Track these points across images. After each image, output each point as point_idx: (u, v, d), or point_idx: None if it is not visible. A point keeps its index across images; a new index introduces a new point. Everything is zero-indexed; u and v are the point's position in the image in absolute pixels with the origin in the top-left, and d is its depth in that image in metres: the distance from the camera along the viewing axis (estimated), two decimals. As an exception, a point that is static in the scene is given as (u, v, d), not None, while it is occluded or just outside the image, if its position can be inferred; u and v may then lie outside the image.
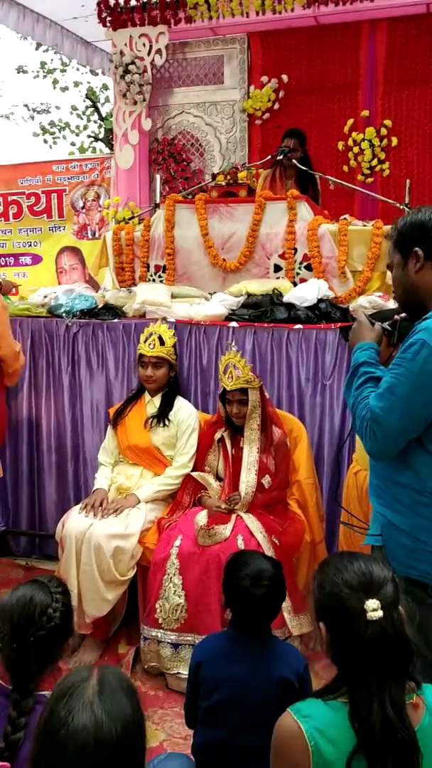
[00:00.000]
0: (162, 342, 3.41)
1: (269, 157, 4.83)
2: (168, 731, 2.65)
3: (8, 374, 3.54)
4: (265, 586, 2.08)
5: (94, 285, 5.00)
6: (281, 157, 4.72)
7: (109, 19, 6.27)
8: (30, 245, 7.14)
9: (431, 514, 1.88)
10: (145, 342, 3.43)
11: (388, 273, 3.77)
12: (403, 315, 2.14)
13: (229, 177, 4.15)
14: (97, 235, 6.78)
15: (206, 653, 2.15)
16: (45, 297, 4.05)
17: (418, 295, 1.93)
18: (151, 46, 6.25)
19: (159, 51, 6.23)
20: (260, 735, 1.96)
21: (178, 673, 2.86)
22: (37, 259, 7.17)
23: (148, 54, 6.28)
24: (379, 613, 1.41)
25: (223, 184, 4.18)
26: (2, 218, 7.15)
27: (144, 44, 6.26)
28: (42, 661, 1.68)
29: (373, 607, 1.41)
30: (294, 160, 4.74)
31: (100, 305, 4.02)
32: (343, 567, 1.50)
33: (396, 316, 2.19)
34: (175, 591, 2.90)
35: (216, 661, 2.10)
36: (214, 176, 4.28)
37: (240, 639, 2.12)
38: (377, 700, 1.40)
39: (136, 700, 1.22)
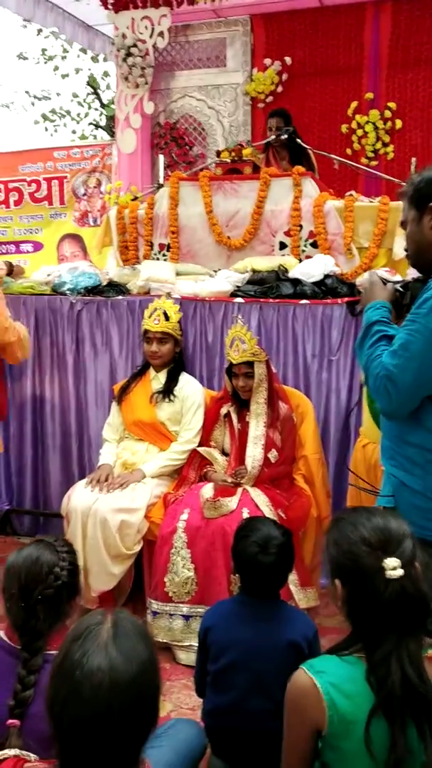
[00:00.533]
0: (167, 317, 3.38)
1: (281, 132, 4.75)
2: (175, 702, 2.64)
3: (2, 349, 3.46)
4: (273, 553, 2.07)
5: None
6: (285, 136, 4.69)
7: (111, 1, 6.22)
8: (31, 232, 7.10)
9: None
10: (149, 317, 3.40)
11: (394, 250, 3.79)
12: (415, 276, 2.12)
13: (233, 154, 4.12)
14: (98, 222, 6.74)
15: (215, 618, 2.14)
16: (48, 275, 4.02)
17: (429, 252, 1.91)
18: (153, 29, 6.20)
19: (161, 34, 6.19)
20: (270, 698, 1.97)
21: (190, 645, 2.85)
22: (38, 247, 7.13)
23: (150, 37, 6.24)
24: (399, 572, 1.39)
25: (228, 161, 4.15)
26: (3, 205, 7.10)
27: (146, 27, 6.22)
28: (50, 619, 1.68)
29: (393, 566, 1.39)
30: (276, 143, 4.70)
31: (104, 283, 3.99)
32: (360, 524, 1.47)
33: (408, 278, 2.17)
34: (184, 564, 2.89)
35: (224, 625, 2.10)
36: (218, 153, 4.25)
37: (248, 603, 2.11)
38: (395, 659, 1.38)
39: (151, 644, 1.21)
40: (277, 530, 2.15)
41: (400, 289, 2.08)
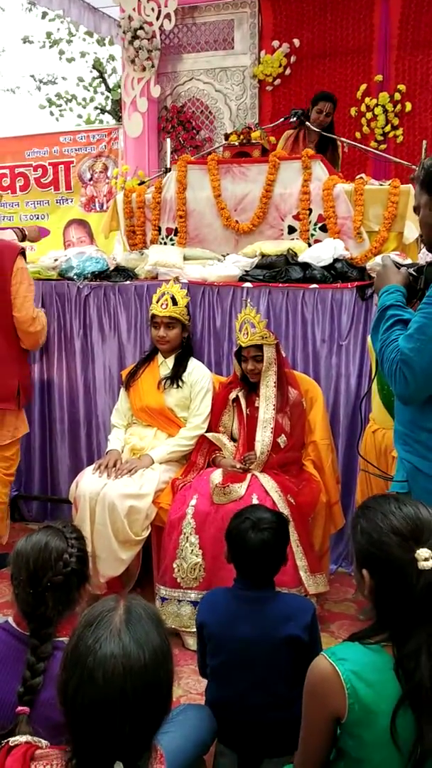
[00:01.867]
0: (175, 302, 3.35)
1: (291, 114, 4.69)
2: (184, 687, 2.64)
3: (25, 334, 3.48)
4: (264, 530, 2.05)
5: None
6: (294, 119, 4.63)
7: (117, -18, 6.17)
8: (37, 218, 7.06)
9: None
10: (157, 302, 3.38)
11: (405, 234, 3.74)
12: (429, 260, 2.09)
13: (242, 137, 4.07)
14: (105, 207, 6.70)
15: (209, 612, 2.12)
16: (56, 260, 3.99)
17: None
18: (159, 11, 6.15)
19: (168, 16, 6.13)
20: (271, 692, 1.97)
21: (198, 631, 2.84)
22: (44, 232, 7.07)
23: (157, 19, 6.18)
24: (431, 563, 1.36)
25: (236, 143, 4.10)
26: (9, 191, 7.07)
27: (153, 9, 6.16)
28: (59, 605, 1.66)
29: (425, 557, 1.36)
30: (318, 128, 4.67)
31: (111, 267, 3.96)
32: (390, 513, 1.44)
33: (421, 262, 2.14)
34: (192, 550, 2.88)
35: (219, 621, 2.08)
36: (227, 136, 4.20)
37: (243, 597, 2.09)
38: (425, 651, 1.36)
39: (163, 630, 1.20)
40: (270, 513, 2.15)
41: (414, 273, 2.05)
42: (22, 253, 3.40)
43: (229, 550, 2.12)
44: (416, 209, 2.00)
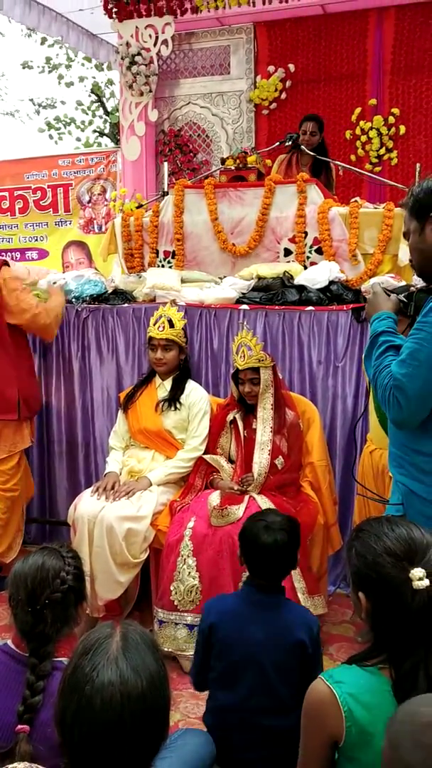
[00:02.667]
0: (171, 324, 3.38)
1: (285, 139, 4.77)
2: (183, 711, 2.63)
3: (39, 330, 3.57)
4: (277, 531, 2.11)
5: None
6: (289, 143, 4.70)
7: (115, 10, 6.27)
8: (36, 240, 7.11)
9: None
10: (154, 325, 3.41)
11: (399, 256, 3.78)
12: (418, 286, 2.13)
13: (238, 161, 4.13)
14: (103, 229, 6.76)
15: (219, 614, 2.15)
16: (54, 283, 4.03)
17: None
18: (157, 37, 6.24)
19: (165, 42, 6.22)
20: (273, 695, 2.00)
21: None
22: (43, 254, 7.15)
23: (155, 45, 6.27)
24: (426, 582, 1.38)
25: (233, 168, 4.16)
26: (8, 213, 7.13)
27: (150, 35, 6.26)
28: (58, 623, 1.69)
29: (419, 576, 1.38)
30: (307, 148, 4.73)
31: (110, 290, 4.00)
32: (384, 534, 1.46)
33: (411, 288, 2.18)
34: (189, 573, 2.88)
35: (230, 623, 2.11)
36: (223, 160, 4.26)
37: (253, 600, 2.13)
38: (423, 670, 1.37)
39: (159, 655, 1.21)
40: (283, 517, 2.21)
41: (404, 300, 2.08)
42: (5, 263, 3.44)
43: (242, 549, 2.18)
44: (406, 234, 2.04)
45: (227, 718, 2.06)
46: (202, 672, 2.16)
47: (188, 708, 2.65)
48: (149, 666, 1.16)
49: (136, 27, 6.25)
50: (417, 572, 1.38)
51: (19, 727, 1.51)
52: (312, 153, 4.77)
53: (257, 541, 2.10)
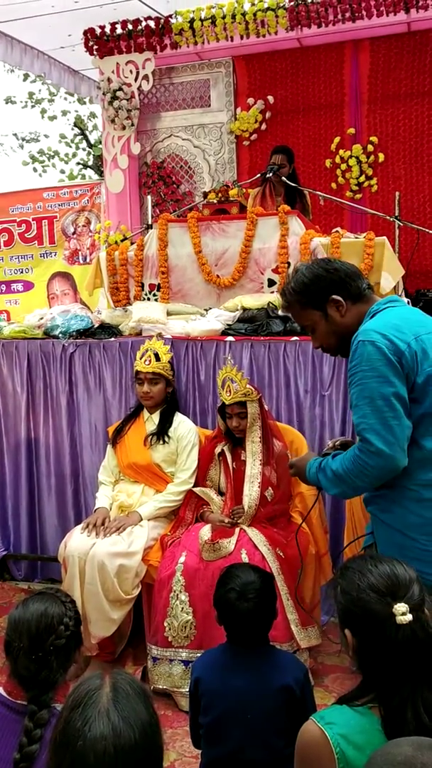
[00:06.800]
0: (158, 358, 3.41)
1: (258, 175, 4.89)
2: (179, 750, 2.60)
3: None
4: (251, 599, 2.06)
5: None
6: (270, 174, 4.78)
7: (95, 47, 6.38)
8: (21, 272, 7.16)
9: (420, 509, 1.91)
10: (141, 358, 3.43)
11: (382, 284, 3.83)
12: (338, 440, 2.28)
13: (220, 194, 4.19)
14: (88, 260, 6.82)
15: (204, 668, 2.12)
16: (41, 318, 4.05)
17: (351, 334, 1.98)
18: (137, 73, 6.34)
19: (146, 77, 6.33)
20: (267, 747, 1.96)
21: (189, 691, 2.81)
22: (28, 286, 7.19)
23: (135, 80, 6.37)
24: (409, 617, 1.39)
25: (215, 201, 4.21)
26: (-7, 246, 7.18)
27: (131, 71, 6.36)
28: (61, 669, 1.68)
29: (402, 611, 1.39)
30: (283, 177, 4.79)
31: (96, 325, 4.02)
32: (367, 570, 1.48)
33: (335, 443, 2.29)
34: (182, 608, 2.87)
35: (214, 675, 2.07)
36: (205, 194, 4.32)
37: (237, 652, 2.09)
38: (410, 707, 1.38)
39: (151, 703, 1.20)
40: (256, 575, 2.15)
41: (339, 449, 2.17)
42: None
43: (219, 617, 2.13)
44: (308, 329, 2.11)
45: None
46: (194, 728, 2.13)
47: (184, 747, 2.62)
48: (140, 716, 1.15)
49: (117, 63, 6.35)
50: (400, 607, 1.40)
51: None
52: (285, 180, 4.82)
53: (232, 611, 2.06)
